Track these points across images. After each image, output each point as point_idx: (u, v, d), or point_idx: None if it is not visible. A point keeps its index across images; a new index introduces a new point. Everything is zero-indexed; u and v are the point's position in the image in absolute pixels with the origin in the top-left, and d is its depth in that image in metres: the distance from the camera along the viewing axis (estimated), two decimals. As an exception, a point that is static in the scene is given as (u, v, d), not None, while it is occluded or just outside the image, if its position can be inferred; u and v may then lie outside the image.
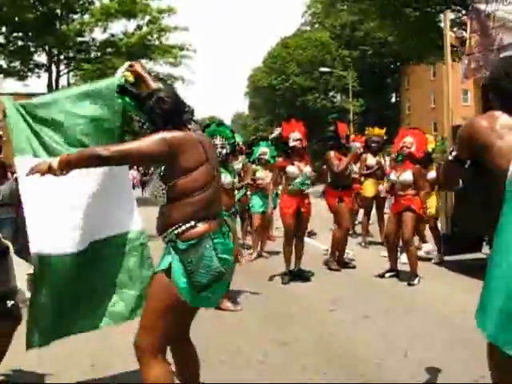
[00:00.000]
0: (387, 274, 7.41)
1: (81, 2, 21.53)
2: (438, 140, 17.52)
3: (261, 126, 52.71)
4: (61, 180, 3.16)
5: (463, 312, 5.16)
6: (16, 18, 19.47)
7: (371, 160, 9.88)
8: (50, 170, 2.80)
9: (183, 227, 2.78)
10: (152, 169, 5.27)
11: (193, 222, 2.78)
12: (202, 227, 2.79)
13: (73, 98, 3.53)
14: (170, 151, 2.79)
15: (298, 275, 7.42)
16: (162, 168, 2.88)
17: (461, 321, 5.05)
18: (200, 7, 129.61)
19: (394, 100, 52.45)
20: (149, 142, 2.79)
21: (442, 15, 23.11)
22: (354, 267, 8.11)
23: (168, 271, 2.79)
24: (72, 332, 3.56)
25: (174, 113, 2.96)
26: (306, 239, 8.18)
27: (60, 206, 3.41)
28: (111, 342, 4.53)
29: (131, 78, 3.52)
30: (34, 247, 3.27)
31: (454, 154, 2.73)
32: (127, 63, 3.60)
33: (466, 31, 7.68)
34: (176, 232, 2.78)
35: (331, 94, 47.95)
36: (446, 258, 8.25)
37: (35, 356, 3.81)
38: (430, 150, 8.32)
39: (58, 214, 3.39)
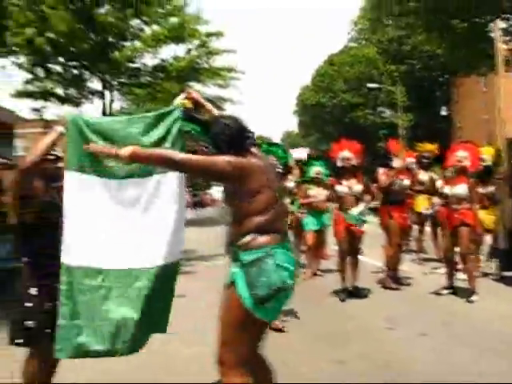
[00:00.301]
0: (444, 291, 7.32)
1: (132, 30, 22.10)
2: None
3: (310, 144, 52.68)
4: (106, 201, 3.46)
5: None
6: (72, 48, 20.14)
7: (423, 175, 9.79)
8: (116, 156, 2.99)
9: (246, 238, 2.92)
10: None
11: (254, 235, 2.92)
12: (263, 239, 2.91)
13: (134, 123, 3.65)
14: (236, 174, 2.95)
15: (354, 293, 7.41)
16: (227, 191, 3.01)
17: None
18: (247, 28, 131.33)
19: (443, 113, 51.61)
20: (220, 160, 2.96)
21: (491, 24, 22.85)
22: (408, 284, 8.04)
23: (234, 283, 2.92)
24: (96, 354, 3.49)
25: (238, 138, 3.11)
26: (361, 257, 8.16)
27: (100, 225, 3.51)
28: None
29: (190, 105, 3.67)
30: (65, 258, 3.42)
31: None
32: (184, 94, 3.72)
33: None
34: (238, 244, 2.93)
35: (380, 109, 47.52)
36: (505, 273, 8.07)
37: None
38: (489, 163, 8.24)
39: (95, 232, 3.50)
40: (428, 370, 4.47)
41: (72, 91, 24.22)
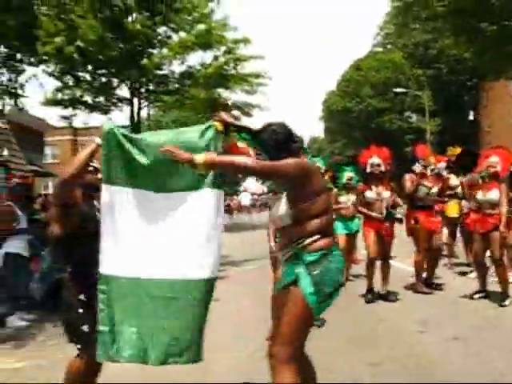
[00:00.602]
0: (476, 295, 7.29)
1: (159, 38, 22.37)
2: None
3: (336, 149, 52.56)
4: (142, 213, 3.60)
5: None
6: (100, 56, 20.46)
7: (454, 180, 9.71)
8: (189, 162, 3.08)
9: (309, 240, 3.06)
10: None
11: (317, 236, 3.06)
12: (324, 241, 3.07)
13: (168, 139, 3.71)
14: (300, 175, 3.09)
15: (385, 297, 7.43)
16: (289, 192, 3.15)
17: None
18: (273, 34, 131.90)
19: (471, 118, 51.11)
20: (284, 163, 3.10)
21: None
22: (440, 289, 8.01)
23: (295, 282, 3.05)
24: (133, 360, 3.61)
25: (285, 143, 3.28)
26: (392, 262, 8.17)
27: (136, 236, 3.64)
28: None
29: (221, 127, 3.74)
30: (103, 268, 3.56)
31: None
32: (215, 119, 3.76)
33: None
34: (302, 245, 3.06)
35: (407, 114, 47.29)
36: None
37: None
38: None
39: (131, 243, 3.63)
40: (459, 372, 4.47)
41: (100, 99, 24.59)
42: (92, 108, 24.72)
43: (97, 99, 24.52)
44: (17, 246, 7.58)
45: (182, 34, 22.44)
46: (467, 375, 4.39)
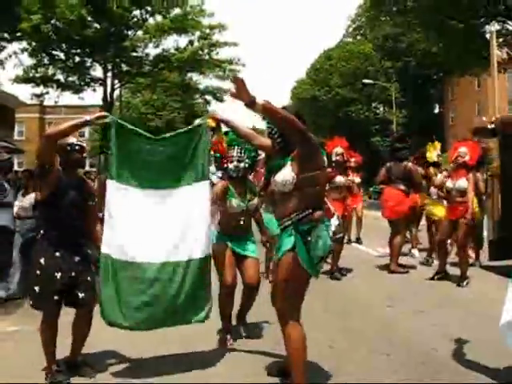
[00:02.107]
0: (436, 276, 7.89)
1: (135, 20, 22.43)
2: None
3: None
4: (141, 203, 4.20)
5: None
6: (76, 36, 20.46)
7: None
8: (249, 104, 3.36)
9: (304, 213, 3.55)
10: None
11: (310, 210, 3.55)
12: (317, 214, 3.56)
13: (164, 141, 4.36)
14: (316, 147, 3.68)
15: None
16: (299, 160, 3.59)
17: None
18: (247, 21, 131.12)
19: (436, 111, 52.25)
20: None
21: (487, 27, 23.39)
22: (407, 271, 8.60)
23: (292, 249, 3.55)
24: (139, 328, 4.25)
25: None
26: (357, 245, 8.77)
27: (135, 223, 4.22)
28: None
29: (213, 124, 4.36)
30: (105, 249, 4.13)
31: None
32: (208, 117, 4.45)
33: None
34: (298, 217, 3.55)
35: (374, 105, 48.13)
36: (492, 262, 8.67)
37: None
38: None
39: (130, 230, 4.19)
40: (420, 339, 5.05)
41: (73, 78, 24.48)
42: (64, 87, 24.60)
43: (69, 78, 24.43)
44: (3, 218, 7.71)
45: (158, 18, 22.58)
46: (426, 340, 5.01)
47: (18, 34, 20.51)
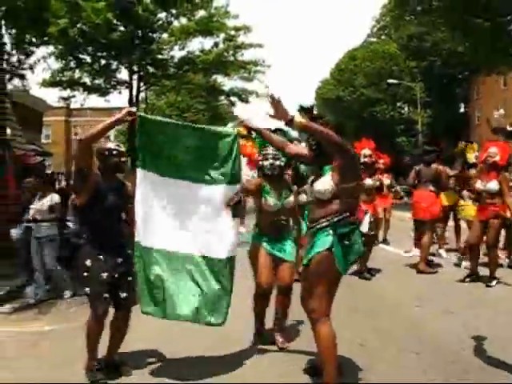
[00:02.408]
0: (467, 279, 7.77)
1: (160, 23, 22.58)
2: None
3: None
4: (169, 194, 4.26)
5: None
6: (103, 40, 20.68)
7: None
8: (288, 123, 3.64)
9: (343, 215, 3.66)
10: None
11: (348, 213, 3.67)
12: (353, 218, 3.70)
13: (194, 132, 4.39)
14: (356, 159, 3.89)
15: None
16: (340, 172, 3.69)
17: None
18: (271, 22, 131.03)
19: (462, 110, 51.70)
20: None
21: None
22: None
23: (329, 249, 3.63)
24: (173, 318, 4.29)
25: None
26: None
27: (163, 215, 4.30)
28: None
29: (244, 132, 4.45)
30: (138, 238, 4.23)
31: None
32: (238, 122, 4.53)
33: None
34: (337, 219, 3.65)
35: (399, 104, 47.76)
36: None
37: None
38: None
39: (160, 220, 4.28)
40: (449, 339, 5.05)
41: (99, 81, 24.72)
42: (90, 90, 24.85)
43: (96, 81, 24.68)
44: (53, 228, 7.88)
45: (183, 20, 22.70)
46: (455, 339, 5.03)
47: (45, 39, 20.74)
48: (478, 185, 7.80)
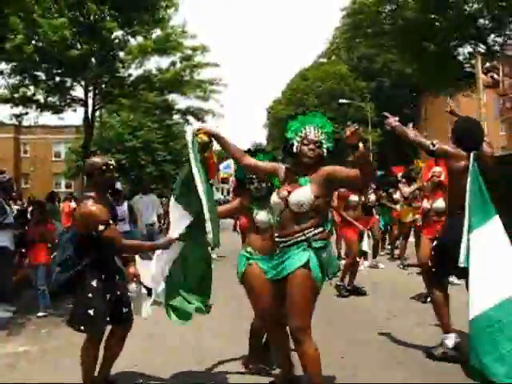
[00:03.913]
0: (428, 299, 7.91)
1: (117, 41, 22.37)
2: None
3: (279, 157, 53.18)
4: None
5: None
6: (58, 56, 20.33)
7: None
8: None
9: (319, 229, 3.68)
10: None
11: (322, 228, 3.70)
12: (328, 233, 3.75)
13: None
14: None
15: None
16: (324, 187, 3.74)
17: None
18: (227, 41, 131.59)
19: (410, 130, 52.91)
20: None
21: (459, 49, 24.07)
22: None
23: (305, 265, 3.60)
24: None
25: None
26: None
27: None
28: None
29: (206, 138, 4.14)
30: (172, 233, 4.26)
31: None
32: (195, 129, 4.19)
33: (497, 74, 8.13)
34: (312, 233, 3.65)
35: (349, 124, 48.54)
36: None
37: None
38: None
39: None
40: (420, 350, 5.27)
41: (54, 98, 24.24)
42: (44, 107, 24.33)
43: (50, 98, 24.17)
44: (4, 239, 7.72)
45: (139, 39, 22.59)
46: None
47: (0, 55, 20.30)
48: (425, 204, 7.99)
